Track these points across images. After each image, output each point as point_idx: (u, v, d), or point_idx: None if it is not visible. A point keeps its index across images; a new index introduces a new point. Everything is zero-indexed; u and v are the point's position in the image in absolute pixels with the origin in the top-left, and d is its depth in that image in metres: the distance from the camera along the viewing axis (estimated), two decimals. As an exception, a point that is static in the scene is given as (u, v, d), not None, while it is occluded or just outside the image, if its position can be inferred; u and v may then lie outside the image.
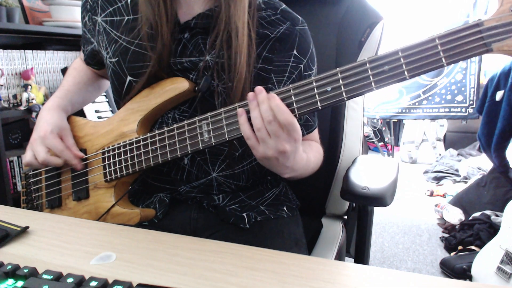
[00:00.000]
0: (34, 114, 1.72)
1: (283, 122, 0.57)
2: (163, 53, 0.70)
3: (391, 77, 0.55)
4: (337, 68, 0.57)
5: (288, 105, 0.59)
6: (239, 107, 0.62)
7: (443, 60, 0.53)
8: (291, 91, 0.59)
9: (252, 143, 0.60)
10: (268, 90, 0.76)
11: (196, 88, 0.71)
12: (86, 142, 0.78)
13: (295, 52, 0.74)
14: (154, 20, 0.70)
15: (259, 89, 0.60)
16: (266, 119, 0.58)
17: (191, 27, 0.71)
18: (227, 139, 0.63)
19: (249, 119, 0.60)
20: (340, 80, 0.57)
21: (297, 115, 0.59)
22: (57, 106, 0.80)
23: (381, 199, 0.74)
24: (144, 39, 0.71)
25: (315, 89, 0.58)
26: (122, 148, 0.72)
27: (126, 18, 0.75)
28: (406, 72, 0.54)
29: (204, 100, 0.72)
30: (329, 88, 0.58)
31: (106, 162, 0.74)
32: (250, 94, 0.60)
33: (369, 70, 0.56)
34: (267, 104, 0.58)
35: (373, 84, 0.56)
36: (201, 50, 0.72)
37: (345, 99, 0.57)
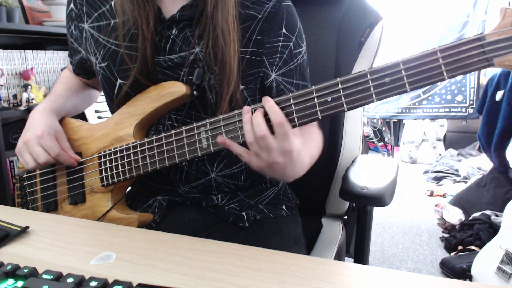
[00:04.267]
0: (34, 114, 1.72)
1: (275, 122, 0.56)
2: (146, 50, 0.68)
3: (392, 89, 0.55)
4: (338, 78, 0.57)
5: (288, 114, 0.59)
6: (238, 115, 0.62)
7: (445, 73, 0.52)
8: (291, 100, 0.59)
9: (245, 159, 0.62)
10: (261, 74, 0.75)
11: (193, 88, 0.70)
12: (81, 145, 0.77)
13: (284, 30, 0.73)
14: (134, 17, 0.68)
15: (248, 108, 0.60)
16: (258, 134, 0.57)
17: (177, 21, 0.70)
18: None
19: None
20: (341, 91, 0.56)
21: (297, 124, 0.59)
22: (49, 108, 0.78)
23: (379, 199, 0.74)
24: (127, 39, 0.70)
25: (316, 98, 0.58)
26: (119, 152, 0.71)
27: (113, 21, 0.74)
28: (407, 85, 0.54)
29: (198, 96, 0.70)
30: (329, 98, 0.57)
31: (103, 167, 0.73)
32: (245, 108, 0.59)
33: (370, 82, 0.55)
34: (260, 118, 0.58)
35: (374, 95, 0.55)
36: (190, 43, 0.70)
37: (346, 110, 0.57)
